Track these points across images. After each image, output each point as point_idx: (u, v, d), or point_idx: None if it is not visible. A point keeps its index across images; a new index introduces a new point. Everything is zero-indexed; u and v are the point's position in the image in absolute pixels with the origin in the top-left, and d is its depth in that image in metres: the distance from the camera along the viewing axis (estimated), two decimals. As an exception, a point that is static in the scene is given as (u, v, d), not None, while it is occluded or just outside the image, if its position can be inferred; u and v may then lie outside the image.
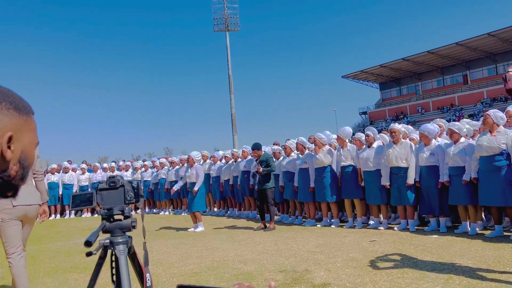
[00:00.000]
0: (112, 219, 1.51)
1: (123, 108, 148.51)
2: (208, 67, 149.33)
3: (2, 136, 0.81)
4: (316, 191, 7.65)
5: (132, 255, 1.61)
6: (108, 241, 1.49)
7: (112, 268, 1.52)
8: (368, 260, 4.69)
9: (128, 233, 1.54)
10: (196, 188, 7.99)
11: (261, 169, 7.57)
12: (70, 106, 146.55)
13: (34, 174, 3.74)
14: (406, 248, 5.17)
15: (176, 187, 8.21)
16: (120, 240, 1.49)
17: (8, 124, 0.83)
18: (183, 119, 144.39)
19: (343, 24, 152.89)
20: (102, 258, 1.51)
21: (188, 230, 8.08)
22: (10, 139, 0.83)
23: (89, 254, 1.37)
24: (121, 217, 1.52)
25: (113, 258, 1.50)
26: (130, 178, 12.94)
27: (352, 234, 6.55)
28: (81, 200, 1.42)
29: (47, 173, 13.52)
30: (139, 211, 13.16)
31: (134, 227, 1.51)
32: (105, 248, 1.51)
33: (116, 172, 13.10)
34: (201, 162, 11.03)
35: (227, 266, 4.85)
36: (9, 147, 0.83)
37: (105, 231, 1.49)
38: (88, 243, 1.24)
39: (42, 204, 3.70)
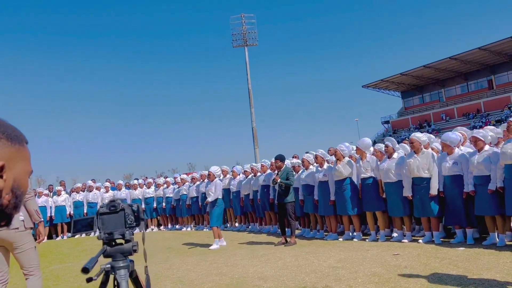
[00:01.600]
0: (113, 244, 1.50)
1: (147, 125, 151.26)
2: (229, 81, 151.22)
3: None
4: (337, 204, 7.52)
5: (135, 279, 1.60)
6: (109, 265, 1.49)
7: (114, 293, 1.51)
8: (391, 275, 4.54)
9: (130, 257, 1.53)
10: (209, 199, 7.98)
11: (278, 179, 7.51)
12: (94, 125, 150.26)
13: None
14: (431, 262, 4.99)
15: (209, 198, 8.12)
16: (122, 265, 1.48)
17: (0, 153, 0.84)
18: (206, 134, 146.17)
19: (360, 34, 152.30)
20: (104, 284, 1.50)
21: (210, 248, 8.04)
22: (1, 168, 0.83)
23: (89, 280, 1.36)
24: (122, 241, 1.52)
25: (115, 283, 1.49)
26: (153, 195, 13.08)
27: (375, 247, 6.39)
28: (82, 225, 1.42)
29: (72, 192, 13.83)
30: (155, 228, 13.26)
31: (135, 251, 1.51)
32: (106, 273, 1.50)
33: (139, 190, 13.26)
34: (221, 177, 11.08)
35: (246, 284, 4.79)
36: (1, 176, 0.84)
37: (106, 255, 1.49)
38: (85, 270, 1.23)
39: (39, 225, 3.56)
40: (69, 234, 13.49)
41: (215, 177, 8.29)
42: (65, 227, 13.27)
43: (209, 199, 8.02)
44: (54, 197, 13.30)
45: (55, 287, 5.49)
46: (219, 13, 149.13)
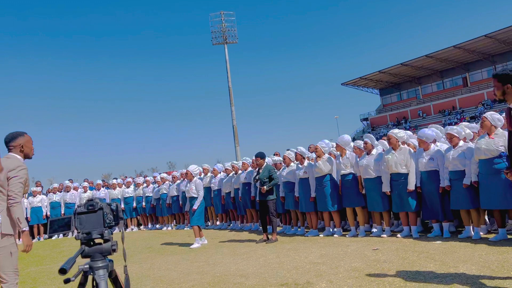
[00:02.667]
0: (91, 243, 1.47)
1: (125, 124, 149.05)
2: (209, 79, 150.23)
3: None
4: (317, 201, 7.59)
5: (114, 279, 1.57)
6: (87, 266, 1.45)
7: (93, 293, 1.48)
8: (371, 269, 4.62)
9: (109, 257, 1.51)
10: (195, 207, 7.92)
11: (265, 190, 7.52)
12: (71, 124, 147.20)
13: (8, 197, 3.25)
14: (409, 256, 5.10)
15: (195, 206, 8.01)
16: (100, 265, 1.45)
17: None
18: (186, 133, 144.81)
19: (339, 32, 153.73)
20: (82, 284, 1.47)
21: (191, 247, 7.98)
22: None
23: (67, 281, 1.33)
24: (101, 240, 1.49)
25: (94, 284, 1.46)
26: (132, 195, 12.91)
27: (355, 243, 6.48)
28: (59, 225, 1.39)
29: (49, 192, 13.53)
30: (135, 227, 13.11)
31: (114, 250, 1.48)
32: (84, 274, 1.47)
33: (118, 189, 13.08)
34: (200, 176, 11.01)
35: (228, 281, 4.79)
36: None
37: (84, 256, 1.46)
38: (63, 271, 1.20)
39: (22, 234, 3.33)
40: (46, 236, 13.21)
41: (193, 176, 8.24)
42: (42, 228, 12.98)
43: (195, 206, 7.94)
44: (30, 198, 12.99)
45: (32, 290, 5.37)
46: (198, 11, 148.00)
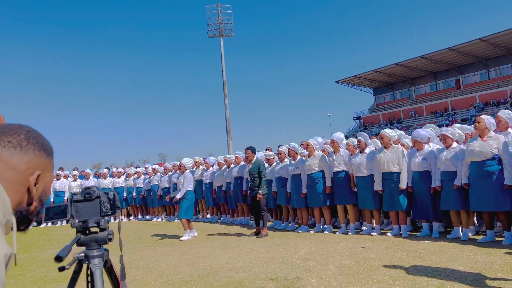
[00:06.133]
0: (87, 232, 1.46)
1: (117, 114, 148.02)
2: (203, 72, 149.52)
3: (32, 173, 0.91)
4: (308, 197, 7.61)
5: (109, 269, 1.56)
6: (82, 254, 1.44)
7: (87, 282, 1.46)
8: (360, 267, 4.65)
9: (105, 246, 1.49)
10: (178, 196, 7.93)
11: (260, 197, 7.54)
12: (62, 111, 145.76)
13: None
14: (398, 254, 5.14)
15: (178, 195, 8.08)
16: (96, 254, 1.44)
17: (38, 164, 0.93)
18: (178, 125, 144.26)
19: (336, 29, 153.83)
20: (76, 273, 1.45)
21: (180, 239, 7.97)
22: (37, 177, 0.92)
23: (61, 269, 1.31)
24: (97, 229, 1.48)
25: (89, 272, 1.45)
26: (123, 185, 12.85)
27: (345, 240, 6.52)
28: (55, 213, 1.37)
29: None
30: (125, 218, 13.07)
31: (110, 239, 1.47)
32: (79, 262, 1.46)
33: (109, 179, 13.01)
34: (193, 169, 10.99)
35: (218, 274, 4.79)
36: (35, 184, 0.92)
37: (79, 244, 1.44)
38: (58, 258, 1.19)
39: None
40: (34, 224, 13.09)
41: (186, 169, 8.22)
42: (30, 216, 12.85)
43: (178, 195, 7.96)
44: (19, 185, 12.83)
45: (20, 277, 5.32)
46: (194, 2, 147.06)
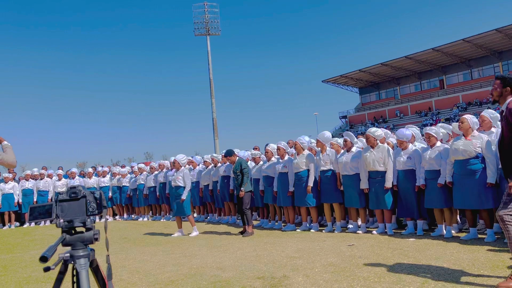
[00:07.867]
0: (73, 232, 1.44)
1: (103, 112, 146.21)
2: (189, 71, 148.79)
3: None
4: (295, 196, 7.64)
5: (95, 269, 1.54)
6: (68, 254, 1.42)
7: (73, 283, 1.44)
8: (346, 264, 4.69)
9: (91, 246, 1.48)
10: (184, 197, 7.95)
11: (243, 194, 7.57)
12: (47, 109, 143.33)
13: None
14: (384, 252, 5.20)
15: (183, 196, 8.05)
16: (82, 254, 1.42)
17: None
18: (164, 124, 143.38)
19: (322, 29, 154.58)
20: (62, 273, 1.43)
21: (172, 235, 7.94)
22: None
23: (47, 269, 1.29)
24: (83, 229, 1.46)
25: (74, 273, 1.43)
26: (108, 185, 12.71)
27: (331, 238, 6.56)
28: (40, 212, 1.35)
29: (22, 179, 13.18)
30: (111, 217, 12.94)
31: (96, 239, 1.45)
32: (65, 262, 1.44)
33: (94, 178, 12.86)
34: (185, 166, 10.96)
35: (204, 274, 4.78)
36: None
37: (65, 244, 1.42)
38: (43, 259, 1.17)
39: None
40: (17, 224, 12.88)
41: (181, 166, 8.22)
42: (13, 216, 12.64)
43: (183, 196, 8.00)
44: (1, 184, 12.61)
45: (2, 278, 5.22)
46: (180, 0, 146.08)
